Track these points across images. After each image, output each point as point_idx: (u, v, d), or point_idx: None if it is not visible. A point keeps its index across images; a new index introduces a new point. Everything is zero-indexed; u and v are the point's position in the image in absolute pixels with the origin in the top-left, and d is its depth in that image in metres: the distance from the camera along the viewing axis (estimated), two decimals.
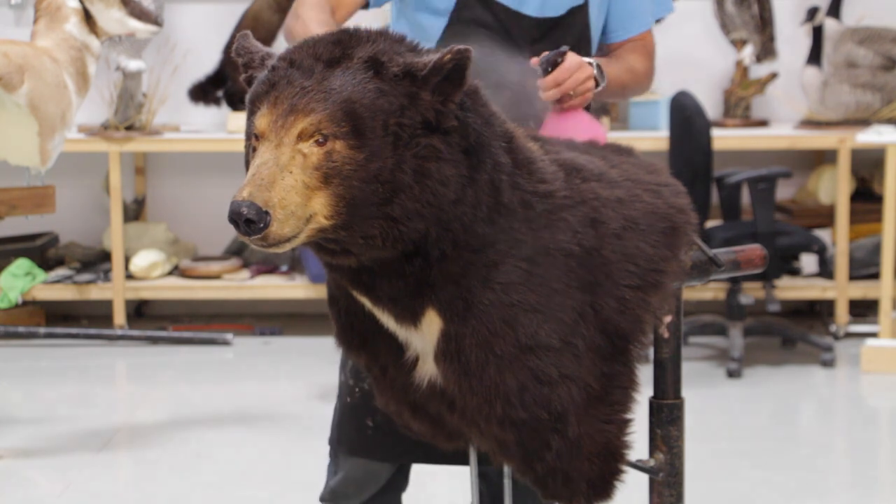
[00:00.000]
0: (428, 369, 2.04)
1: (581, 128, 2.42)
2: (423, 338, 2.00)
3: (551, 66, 2.40)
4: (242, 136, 1.95)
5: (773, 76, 6.08)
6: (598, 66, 2.47)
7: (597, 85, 2.45)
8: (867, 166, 6.09)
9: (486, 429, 2.03)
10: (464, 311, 1.95)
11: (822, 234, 5.70)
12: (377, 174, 1.83)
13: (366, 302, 2.01)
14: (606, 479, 2.05)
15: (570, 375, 1.99)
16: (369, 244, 1.87)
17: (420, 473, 3.97)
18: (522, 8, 2.53)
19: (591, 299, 2.01)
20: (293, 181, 1.82)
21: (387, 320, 2.01)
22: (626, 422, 2.06)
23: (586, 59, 2.45)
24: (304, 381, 5.10)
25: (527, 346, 1.96)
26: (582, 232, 2.02)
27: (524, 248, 1.97)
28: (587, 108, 2.52)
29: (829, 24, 5.83)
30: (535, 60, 2.41)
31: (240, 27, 5.82)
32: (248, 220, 1.78)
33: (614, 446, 2.05)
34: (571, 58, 2.40)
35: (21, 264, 5.84)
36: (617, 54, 2.65)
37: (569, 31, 2.56)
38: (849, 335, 5.76)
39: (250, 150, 1.89)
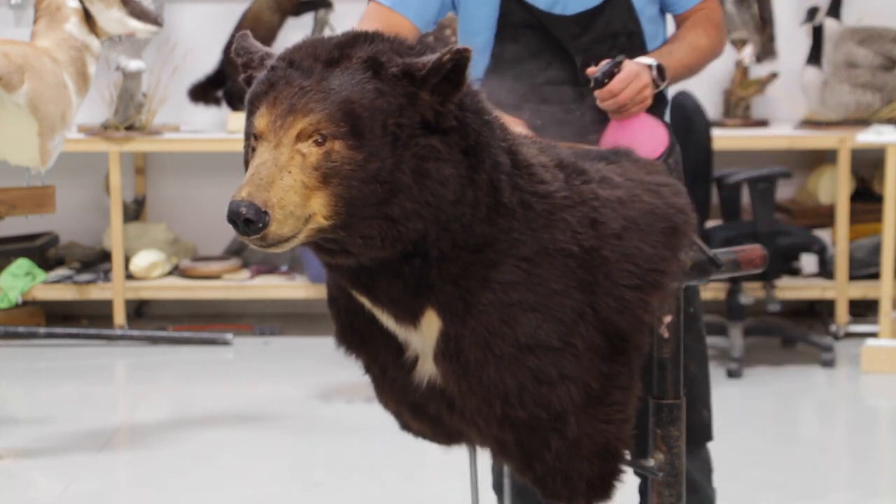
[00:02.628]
0: (427, 369, 2.04)
1: (644, 133, 2.45)
2: (423, 338, 2.00)
3: (608, 76, 2.42)
4: (242, 136, 1.95)
5: (773, 76, 6.08)
6: (659, 67, 2.50)
7: (656, 87, 2.49)
8: (867, 166, 6.09)
9: (485, 429, 2.03)
10: (463, 312, 1.95)
11: (822, 234, 5.70)
12: (376, 174, 1.83)
13: (365, 302, 2.01)
14: (606, 479, 2.05)
15: (569, 375, 1.99)
16: (368, 244, 1.87)
17: (419, 471, 3.98)
18: (554, 9, 2.57)
19: (591, 299, 2.01)
20: (292, 181, 1.81)
21: (386, 320, 2.01)
22: (626, 422, 2.06)
23: (645, 61, 2.48)
24: (304, 381, 5.09)
25: (526, 346, 1.96)
26: (581, 232, 2.02)
27: (523, 249, 1.97)
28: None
29: (829, 24, 5.82)
30: (590, 71, 2.45)
31: (240, 27, 5.82)
32: (247, 220, 1.78)
33: (613, 446, 2.05)
34: (628, 67, 2.43)
35: (21, 264, 5.83)
36: (678, 34, 2.65)
37: (612, 20, 2.58)
38: (849, 335, 5.76)
39: (249, 150, 1.89)
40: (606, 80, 2.42)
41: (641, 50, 2.60)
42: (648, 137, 2.44)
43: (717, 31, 2.69)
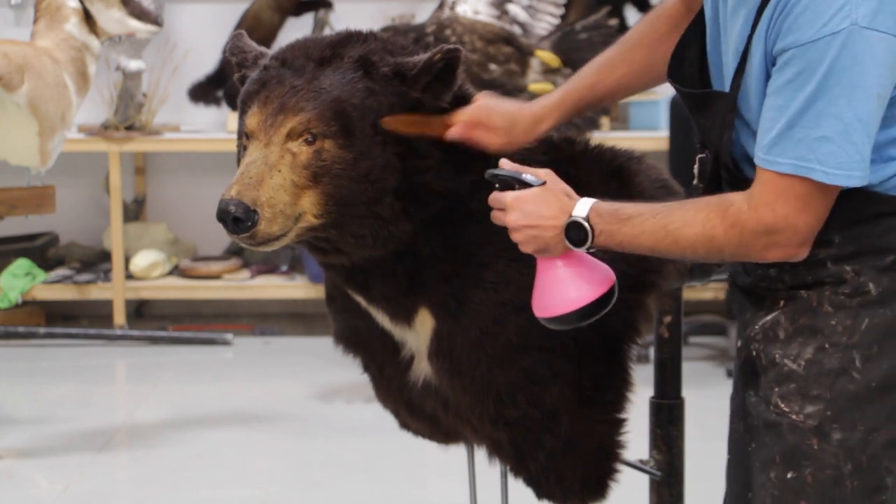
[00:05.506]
0: (423, 368, 2.05)
1: (556, 286, 1.80)
2: (417, 336, 2.01)
3: (501, 183, 1.80)
4: None
5: None
6: (588, 220, 1.76)
7: (583, 241, 1.77)
8: None
9: (479, 427, 2.03)
10: (456, 310, 1.96)
11: None
12: (366, 173, 1.83)
13: (361, 301, 2.01)
14: (600, 479, 2.05)
15: (562, 375, 1.98)
16: (360, 243, 1.87)
17: (419, 471, 3.97)
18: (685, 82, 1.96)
19: None
20: (282, 180, 1.81)
21: (382, 319, 2.02)
22: (620, 421, 2.06)
23: (580, 207, 1.76)
24: (304, 381, 5.09)
25: (518, 345, 1.96)
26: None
27: (516, 248, 1.97)
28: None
29: None
30: (503, 163, 1.82)
31: (240, 27, 5.81)
32: (236, 219, 1.78)
33: (608, 446, 2.04)
34: (517, 193, 1.77)
35: (21, 264, 5.83)
36: (682, 202, 1.87)
37: (712, 124, 1.95)
38: None
39: (241, 150, 1.89)
40: (497, 186, 1.80)
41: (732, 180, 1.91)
42: (558, 292, 1.79)
43: (728, 227, 1.75)
